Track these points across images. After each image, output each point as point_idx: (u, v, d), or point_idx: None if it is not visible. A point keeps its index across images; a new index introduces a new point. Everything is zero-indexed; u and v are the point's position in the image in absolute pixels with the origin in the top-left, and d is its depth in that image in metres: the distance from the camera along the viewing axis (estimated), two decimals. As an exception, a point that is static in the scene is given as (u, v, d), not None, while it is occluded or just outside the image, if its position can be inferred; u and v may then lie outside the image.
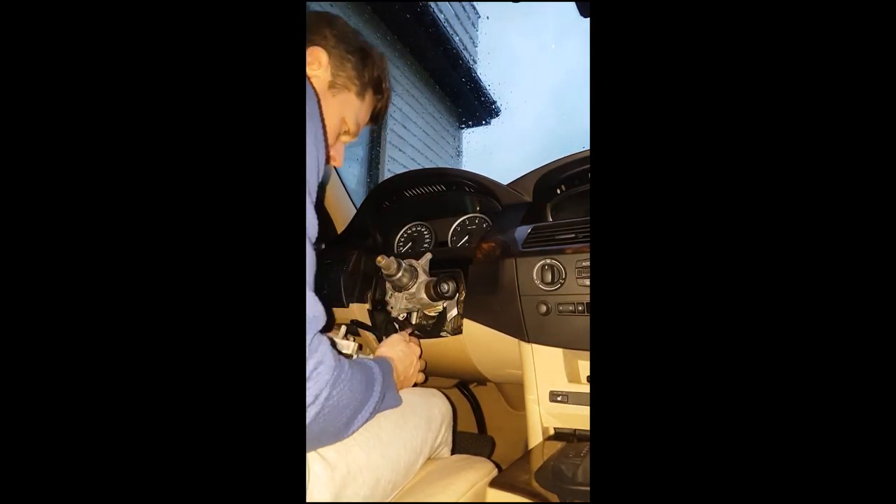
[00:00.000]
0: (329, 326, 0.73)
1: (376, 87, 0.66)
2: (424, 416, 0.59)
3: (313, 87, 0.59)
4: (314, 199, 0.46)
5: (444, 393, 0.68)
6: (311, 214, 0.44)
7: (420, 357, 0.70)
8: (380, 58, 0.66)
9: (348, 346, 0.70)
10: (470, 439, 1.18)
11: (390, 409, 0.54)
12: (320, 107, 0.50)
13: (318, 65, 0.60)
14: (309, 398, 0.38)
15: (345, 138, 0.67)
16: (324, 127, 0.51)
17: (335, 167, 0.69)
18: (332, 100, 0.62)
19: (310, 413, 0.39)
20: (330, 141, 0.64)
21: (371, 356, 0.63)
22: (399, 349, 0.66)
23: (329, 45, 0.61)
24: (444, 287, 0.80)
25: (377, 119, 0.70)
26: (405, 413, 0.57)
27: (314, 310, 0.40)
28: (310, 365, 0.38)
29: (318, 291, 0.42)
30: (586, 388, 0.67)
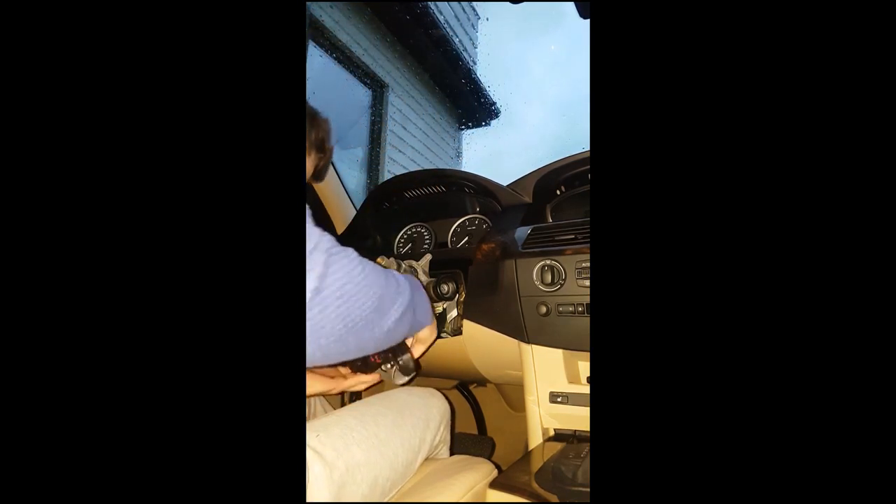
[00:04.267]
0: None
1: (319, 148, 0.72)
2: (423, 416, 0.60)
3: None
4: None
5: (442, 393, 0.68)
6: None
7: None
8: (324, 122, 0.73)
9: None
10: (470, 440, 1.18)
11: (424, 326, 0.54)
12: None
13: None
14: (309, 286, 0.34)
15: None
16: None
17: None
18: None
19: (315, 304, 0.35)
20: None
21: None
22: None
23: None
24: (444, 288, 0.80)
25: (319, 176, 0.76)
26: (403, 412, 0.58)
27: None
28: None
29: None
30: (586, 389, 0.67)
